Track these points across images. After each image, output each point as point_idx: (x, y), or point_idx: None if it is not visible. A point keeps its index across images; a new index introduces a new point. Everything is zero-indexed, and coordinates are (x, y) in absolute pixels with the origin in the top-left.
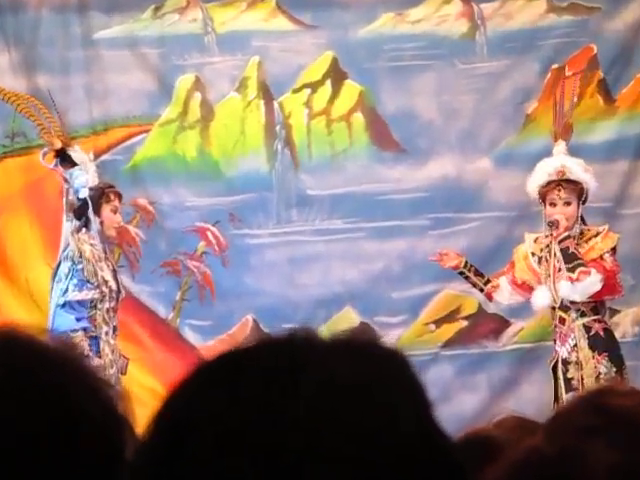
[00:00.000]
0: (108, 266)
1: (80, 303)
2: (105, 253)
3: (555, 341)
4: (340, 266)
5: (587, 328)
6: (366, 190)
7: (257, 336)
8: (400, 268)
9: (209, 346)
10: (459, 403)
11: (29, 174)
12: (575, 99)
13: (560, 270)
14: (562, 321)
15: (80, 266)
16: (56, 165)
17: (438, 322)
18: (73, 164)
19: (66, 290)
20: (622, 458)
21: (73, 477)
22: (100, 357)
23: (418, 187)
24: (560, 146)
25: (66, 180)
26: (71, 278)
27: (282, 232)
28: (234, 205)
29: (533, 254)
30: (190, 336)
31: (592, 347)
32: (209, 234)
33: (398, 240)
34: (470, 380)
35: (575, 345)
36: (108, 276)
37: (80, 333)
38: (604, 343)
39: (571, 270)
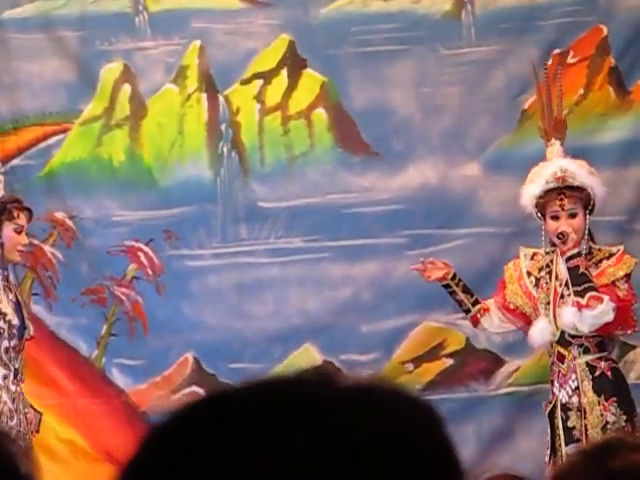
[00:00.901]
0: (8, 296)
1: None
2: (6, 281)
3: (552, 382)
4: (299, 294)
5: (591, 367)
6: (330, 202)
7: (199, 377)
8: (371, 296)
9: (141, 390)
10: None
11: None
12: (562, 95)
13: (563, 296)
14: (561, 358)
15: None
16: None
17: (417, 361)
18: None
19: None
20: None
21: None
22: None
23: (393, 198)
24: (554, 147)
25: None
26: None
27: (228, 252)
28: (170, 220)
29: (529, 274)
30: (118, 378)
31: (597, 391)
32: (141, 255)
33: (369, 262)
34: (457, 430)
35: (577, 388)
36: (6, 309)
37: None
38: (612, 386)
39: (580, 294)
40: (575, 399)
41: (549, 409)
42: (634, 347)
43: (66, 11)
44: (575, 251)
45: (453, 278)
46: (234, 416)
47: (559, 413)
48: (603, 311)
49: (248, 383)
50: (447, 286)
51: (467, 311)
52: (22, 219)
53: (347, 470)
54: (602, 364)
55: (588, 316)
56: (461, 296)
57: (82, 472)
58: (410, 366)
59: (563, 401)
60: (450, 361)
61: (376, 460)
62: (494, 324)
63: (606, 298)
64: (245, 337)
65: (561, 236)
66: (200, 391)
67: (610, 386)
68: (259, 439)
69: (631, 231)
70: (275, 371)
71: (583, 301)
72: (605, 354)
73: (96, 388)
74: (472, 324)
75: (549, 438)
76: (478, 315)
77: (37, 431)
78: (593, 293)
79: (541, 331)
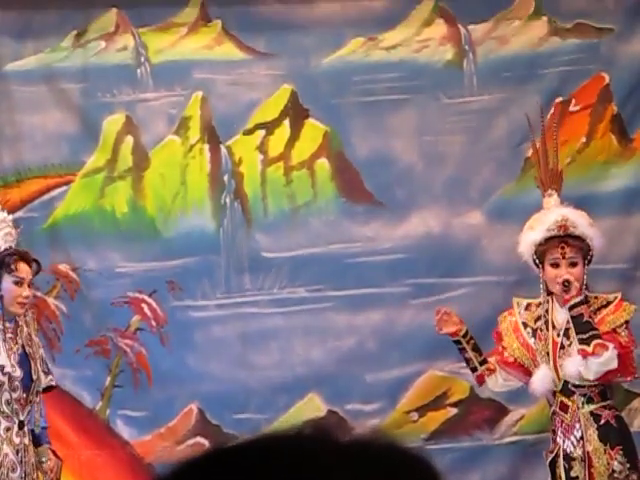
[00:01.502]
0: (12, 348)
1: None
2: (13, 333)
3: (554, 431)
4: (303, 343)
5: (596, 416)
6: (334, 252)
7: (204, 429)
8: (375, 345)
9: (146, 441)
10: None
11: None
12: (558, 148)
13: (563, 347)
14: (564, 408)
15: None
16: None
17: (422, 410)
18: None
19: None
20: None
21: None
22: None
23: (396, 247)
24: (551, 198)
25: None
26: None
27: (232, 303)
28: (174, 271)
29: (525, 325)
30: (122, 429)
31: (603, 439)
32: (144, 306)
33: (373, 311)
34: (462, 479)
35: (581, 437)
36: (4, 361)
37: None
38: (617, 434)
39: (585, 342)
40: (580, 449)
41: (550, 458)
42: (638, 395)
43: (68, 63)
44: (578, 299)
45: (465, 335)
46: (235, 473)
47: (561, 463)
48: (609, 358)
49: (250, 439)
50: (457, 342)
51: (474, 369)
52: (22, 271)
53: None
54: (606, 412)
55: (594, 364)
56: (470, 354)
57: None
58: (415, 415)
59: (567, 451)
60: (454, 410)
61: None
62: (498, 384)
63: (611, 345)
64: (249, 387)
65: (566, 284)
66: (205, 442)
67: (615, 434)
68: None
69: (633, 279)
70: (280, 421)
71: (589, 349)
72: (608, 402)
73: (101, 440)
74: (477, 383)
75: None
76: (484, 375)
77: (58, 478)
78: (599, 341)
79: (542, 379)
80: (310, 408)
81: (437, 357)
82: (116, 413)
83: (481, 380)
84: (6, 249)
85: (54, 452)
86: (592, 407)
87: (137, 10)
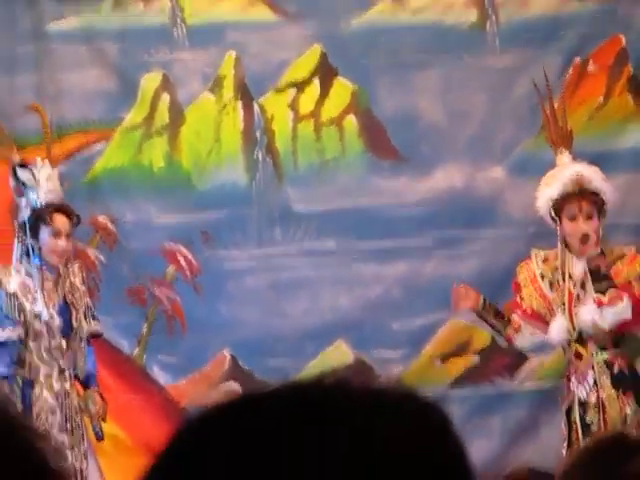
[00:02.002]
0: (50, 299)
1: (1, 344)
2: (54, 283)
3: (569, 378)
4: (331, 292)
5: (609, 364)
6: (361, 205)
7: (236, 374)
8: (401, 294)
9: (180, 386)
10: (471, 450)
11: None
12: (565, 106)
13: (578, 297)
14: (579, 356)
15: None
16: (15, 185)
17: (445, 357)
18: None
19: None
20: None
21: None
22: (34, 402)
23: (421, 201)
24: (564, 155)
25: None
26: None
27: (264, 254)
28: (208, 223)
29: (543, 276)
30: (158, 374)
31: (616, 386)
32: (179, 256)
33: (398, 262)
34: (483, 423)
35: (595, 383)
36: (42, 309)
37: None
38: (629, 381)
39: (602, 292)
40: (594, 396)
41: (567, 406)
42: None
43: (108, 24)
44: (596, 251)
45: (483, 307)
46: (259, 416)
47: (577, 408)
48: (624, 308)
49: (276, 386)
50: (479, 315)
51: (500, 333)
52: (58, 223)
53: (366, 467)
54: (619, 361)
55: (609, 313)
56: (493, 321)
57: (124, 466)
58: (438, 362)
59: (582, 397)
60: (476, 358)
61: (393, 460)
62: (526, 339)
63: (625, 296)
64: (280, 334)
65: (585, 238)
66: (237, 387)
67: (628, 381)
68: (279, 440)
69: None
70: (309, 367)
71: (605, 298)
72: (621, 351)
73: (137, 384)
74: (507, 343)
75: (566, 432)
76: (511, 335)
77: (104, 419)
78: (614, 291)
79: (558, 328)
80: (338, 354)
81: None
82: (152, 359)
83: (510, 340)
84: (47, 202)
85: (101, 395)
86: (605, 355)
87: None
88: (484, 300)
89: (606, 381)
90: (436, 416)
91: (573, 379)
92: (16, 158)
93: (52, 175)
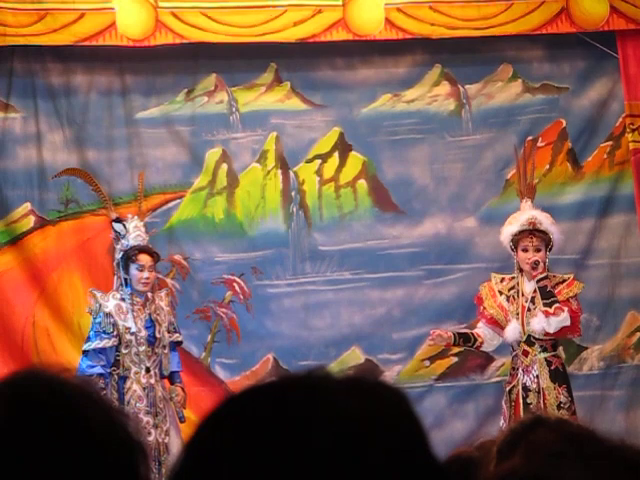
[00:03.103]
0: (138, 316)
1: (100, 351)
2: (142, 305)
3: (515, 369)
4: (348, 311)
5: (548, 362)
6: (370, 246)
7: (277, 372)
8: (399, 313)
9: (235, 381)
10: (450, 429)
11: (80, 235)
12: (534, 168)
13: (529, 310)
14: (526, 354)
15: (98, 319)
16: (115, 236)
17: (432, 359)
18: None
19: (87, 340)
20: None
21: None
22: (126, 392)
23: (414, 243)
24: (526, 203)
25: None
26: (90, 330)
27: (297, 282)
28: (256, 259)
29: (500, 292)
30: (219, 372)
31: (553, 379)
32: (235, 285)
33: (397, 289)
34: (460, 409)
35: (537, 376)
36: (131, 325)
37: (94, 377)
38: (562, 377)
39: (548, 305)
40: (535, 385)
41: (509, 388)
42: (586, 348)
43: (181, 112)
44: (543, 275)
45: (455, 342)
46: (269, 396)
47: (520, 392)
48: (564, 318)
49: (283, 377)
50: (453, 346)
51: (471, 349)
52: (142, 260)
53: (345, 436)
54: (556, 360)
55: (554, 321)
56: (465, 346)
57: None
58: (427, 363)
59: (527, 385)
60: (455, 359)
61: (370, 428)
62: (489, 346)
63: (566, 309)
64: (309, 343)
65: (535, 264)
66: None
67: (561, 376)
68: (280, 416)
69: (583, 265)
70: (331, 367)
71: (551, 310)
72: (557, 353)
73: (204, 379)
74: (477, 351)
75: (507, 410)
76: (479, 347)
77: (184, 406)
78: (558, 305)
79: (513, 331)
80: (353, 357)
81: (442, 321)
82: (215, 361)
83: (478, 350)
84: (132, 246)
85: (182, 389)
86: (546, 355)
87: (230, 74)
88: (454, 336)
89: (546, 375)
90: (399, 396)
91: (520, 370)
92: (113, 215)
93: (139, 225)
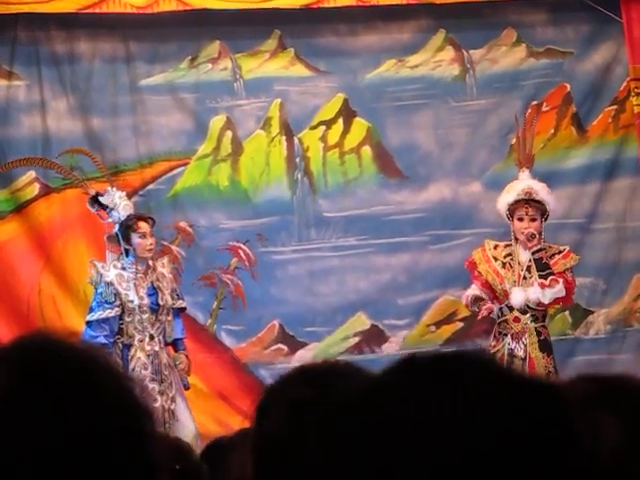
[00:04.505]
0: (140, 285)
1: (103, 321)
2: (143, 273)
3: (500, 333)
4: (353, 277)
5: (538, 332)
6: (374, 212)
7: (283, 338)
8: (405, 278)
9: (242, 347)
10: None
11: (85, 203)
12: (533, 138)
13: (525, 278)
14: (517, 320)
15: (100, 289)
16: (97, 210)
17: (438, 324)
18: (107, 206)
19: (90, 310)
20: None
21: (101, 463)
22: (130, 360)
23: (419, 208)
24: (524, 173)
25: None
26: (93, 300)
27: (302, 249)
28: (261, 226)
29: (495, 259)
30: (225, 339)
31: (542, 349)
32: (240, 252)
33: (403, 254)
34: None
35: (526, 344)
36: (133, 297)
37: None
38: (550, 347)
39: (544, 277)
40: (523, 352)
41: (492, 351)
42: (592, 312)
43: (185, 79)
44: (539, 247)
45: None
46: (305, 386)
47: (505, 357)
48: (559, 289)
49: (308, 365)
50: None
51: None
52: (143, 227)
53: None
54: (545, 330)
55: (549, 292)
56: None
57: (202, 407)
58: (433, 328)
59: (515, 351)
60: (461, 324)
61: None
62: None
63: (561, 280)
64: (315, 309)
65: (532, 236)
66: (284, 347)
67: (549, 347)
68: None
69: (589, 229)
70: (337, 332)
71: (546, 282)
72: (545, 323)
73: (210, 346)
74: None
75: None
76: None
77: (189, 374)
78: (553, 277)
79: (519, 295)
80: (358, 323)
81: (449, 286)
82: (221, 327)
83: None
84: (128, 215)
85: (186, 356)
86: (536, 325)
87: (234, 41)
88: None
89: (536, 344)
90: (361, 376)
91: (509, 336)
92: (92, 191)
93: (122, 196)
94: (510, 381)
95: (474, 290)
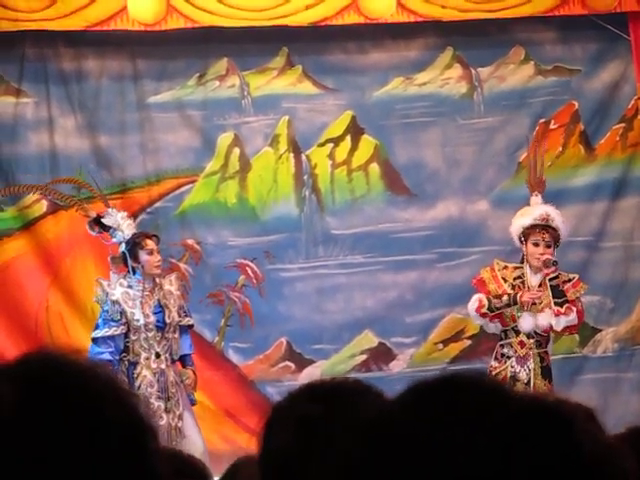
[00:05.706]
0: (146, 302)
1: (108, 338)
2: (150, 292)
3: (505, 356)
4: (360, 295)
5: (541, 358)
6: (382, 229)
7: (290, 355)
8: (412, 296)
9: (249, 365)
10: None
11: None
12: (543, 162)
13: (534, 303)
14: (522, 345)
15: (106, 307)
16: (99, 232)
17: (445, 342)
18: (110, 227)
19: (96, 327)
20: None
21: (104, 479)
22: (136, 378)
23: (426, 226)
24: (537, 198)
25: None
26: (99, 318)
27: (310, 266)
28: (269, 244)
29: (505, 280)
30: (232, 356)
31: (543, 376)
32: (248, 269)
33: (410, 272)
34: None
35: (530, 370)
36: (138, 316)
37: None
38: (550, 374)
39: (559, 304)
40: (526, 376)
41: (495, 372)
42: (600, 330)
43: (193, 97)
44: (556, 274)
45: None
46: (305, 396)
47: (507, 379)
48: (573, 318)
49: (317, 381)
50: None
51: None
52: (149, 245)
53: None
54: (547, 357)
55: (564, 320)
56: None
57: (209, 424)
58: (440, 346)
59: (519, 375)
60: (468, 342)
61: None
62: (487, 329)
63: (574, 309)
64: (322, 326)
65: (552, 263)
66: (291, 365)
67: (549, 373)
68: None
69: (596, 248)
70: (344, 350)
71: (562, 310)
72: (547, 349)
73: (218, 364)
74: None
75: None
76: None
77: (194, 389)
78: (568, 304)
79: (529, 321)
80: (366, 341)
81: (456, 304)
82: (228, 345)
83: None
84: (134, 233)
85: (194, 371)
86: (540, 350)
87: (242, 58)
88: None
89: (538, 370)
90: (373, 389)
91: (513, 360)
92: (92, 213)
93: (124, 215)
94: (519, 405)
95: (479, 294)
